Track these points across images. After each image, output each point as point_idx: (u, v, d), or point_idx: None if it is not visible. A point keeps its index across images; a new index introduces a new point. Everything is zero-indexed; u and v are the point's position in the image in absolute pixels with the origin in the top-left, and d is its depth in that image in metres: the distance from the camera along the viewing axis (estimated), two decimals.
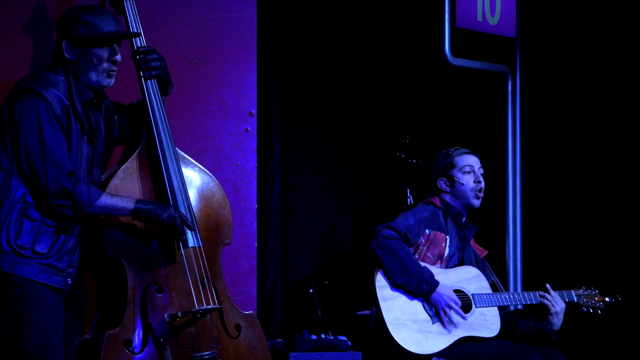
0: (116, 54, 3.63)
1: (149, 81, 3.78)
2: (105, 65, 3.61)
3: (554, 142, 5.84)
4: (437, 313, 4.37)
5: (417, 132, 5.33)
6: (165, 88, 3.86)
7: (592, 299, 4.62)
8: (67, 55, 3.60)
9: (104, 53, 3.61)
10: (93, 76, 3.61)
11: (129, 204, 3.60)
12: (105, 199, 3.56)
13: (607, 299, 4.64)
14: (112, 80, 3.67)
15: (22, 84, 3.54)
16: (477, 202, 4.62)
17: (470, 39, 5.60)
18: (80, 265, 3.67)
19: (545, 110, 5.86)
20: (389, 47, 5.65)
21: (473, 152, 4.69)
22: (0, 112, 3.55)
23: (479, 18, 5.58)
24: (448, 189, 4.64)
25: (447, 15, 5.43)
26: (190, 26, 4.48)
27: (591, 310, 4.61)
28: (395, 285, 4.36)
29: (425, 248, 4.51)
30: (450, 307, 4.36)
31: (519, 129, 5.73)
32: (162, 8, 4.39)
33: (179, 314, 3.65)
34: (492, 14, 5.64)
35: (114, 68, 3.64)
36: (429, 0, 5.53)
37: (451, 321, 4.35)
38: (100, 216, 3.62)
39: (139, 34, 3.75)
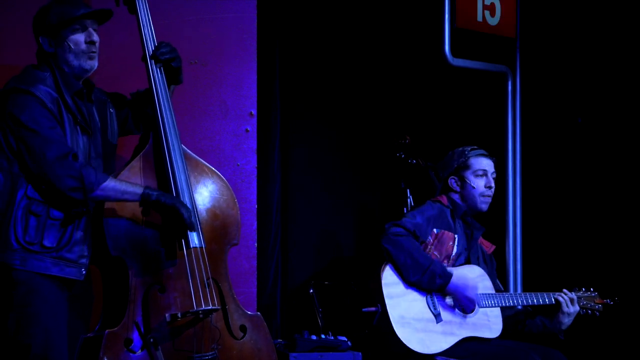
0: (92, 35, 3.65)
1: (158, 81, 3.79)
2: (83, 47, 3.64)
3: (554, 142, 5.84)
4: (458, 301, 4.37)
5: (417, 132, 5.32)
6: (178, 75, 3.88)
7: (592, 301, 4.63)
8: (46, 49, 3.64)
9: (80, 36, 3.64)
10: (74, 62, 3.63)
11: (138, 189, 3.62)
12: (113, 182, 3.58)
13: (606, 301, 4.65)
14: (95, 63, 3.68)
15: (9, 85, 3.57)
16: (484, 207, 4.62)
17: (470, 39, 5.60)
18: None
19: (545, 110, 5.85)
20: (389, 47, 5.65)
21: (489, 155, 4.67)
22: None
23: (479, 18, 5.58)
24: (458, 189, 4.62)
25: (447, 15, 5.43)
26: (190, 26, 4.48)
27: (589, 312, 4.61)
28: (408, 283, 4.36)
29: (432, 247, 4.50)
30: (469, 298, 4.36)
31: (519, 129, 5.73)
32: (162, 8, 4.39)
33: (179, 314, 3.65)
34: (492, 14, 5.63)
35: (93, 49, 3.66)
36: (429, 0, 5.53)
37: (464, 313, 4.35)
38: (108, 201, 3.64)
39: (110, 11, 3.74)
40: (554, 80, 5.82)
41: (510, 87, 5.75)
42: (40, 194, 3.52)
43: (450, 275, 4.36)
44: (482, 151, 4.65)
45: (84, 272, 3.61)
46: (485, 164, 4.61)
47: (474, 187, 4.58)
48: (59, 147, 3.50)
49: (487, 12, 5.60)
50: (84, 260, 3.61)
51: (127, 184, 3.62)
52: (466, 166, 4.60)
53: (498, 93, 5.78)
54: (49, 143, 3.49)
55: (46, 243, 3.51)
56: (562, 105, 5.82)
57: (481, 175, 4.59)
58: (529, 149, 5.78)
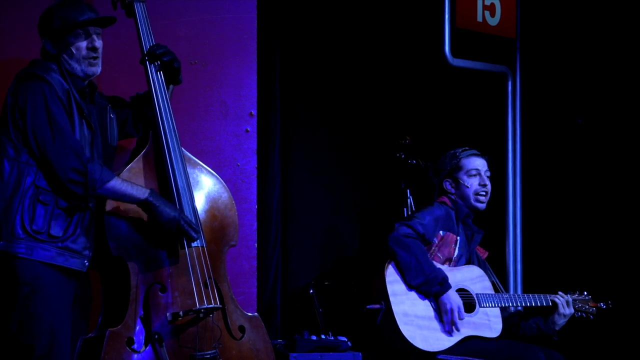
0: (94, 41, 3.67)
1: (156, 83, 3.81)
2: (84, 53, 3.66)
3: (554, 143, 5.84)
4: (440, 313, 4.38)
5: (417, 132, 5.32)
6: (177, 76, 3.89)
7: (586, 304, 4.65)
8: (49, 51, 3.66)
9: (82, 41, 3.65)
10: (76, 66, 3.66)
11: (142, 194, 3.62)
12: (116, 182, 3.58)
13: (600, 305, 4.67)
14: (98, 69, 3.70)
15: (23, 72, 3.60)
16: (480, 205, 4.62)
17: (470, 40, 5.60)
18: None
19: (545, 111, 5.85)
20: (389, 47, 5.65)
21: (481, 154, 4.68)
22: (3, 104, 3.58)
23: (479, 18, 5.58)
24: (453, 190, 4.63)
25: (447, 16, 5.44)
26: (191, 26, 4.48)
27: (584, 315, 4.64)
28: (409, 286, 4.37)
29: (436, 249, 4.52)
30: (453, 312, 4.36)
31: (519, 129, 5.73)
32: (162, 9, 4.39)
33: (181, 312, 3.66)
34: (492, 14, 5.63)
35: (94, 55, 3.67)
36: (429, 0, 5.53)
37: (454, 322, 4.36)
38: (108, 201, 3.65)
39: (114, 18, 3.75)
40: (554, 80, 5.82)
41: (510, 88, 5.75)
42: (49, 183, 3.52)
43: (449, 287, 4.37)
44: (473, 151, 4.67)
45: (86, 263, 3.62)
46: (478, 163, 4.63)
47: (468, 187, 4.59)
48: (67, 137, 3.52)
49: (487, 13, 5.61)
50: (87, 252, 3.62)
51: (130, 185, 3.62)
52: (459, 167, 4.62)
53: (498, 93, 5.78)
54: (57, 132, 3.51)
55: (53, 232, 3.51)
56: (562, 106, 5.81)
57: (474, 175, 4.61)
58: (529, 149, 5.78)
